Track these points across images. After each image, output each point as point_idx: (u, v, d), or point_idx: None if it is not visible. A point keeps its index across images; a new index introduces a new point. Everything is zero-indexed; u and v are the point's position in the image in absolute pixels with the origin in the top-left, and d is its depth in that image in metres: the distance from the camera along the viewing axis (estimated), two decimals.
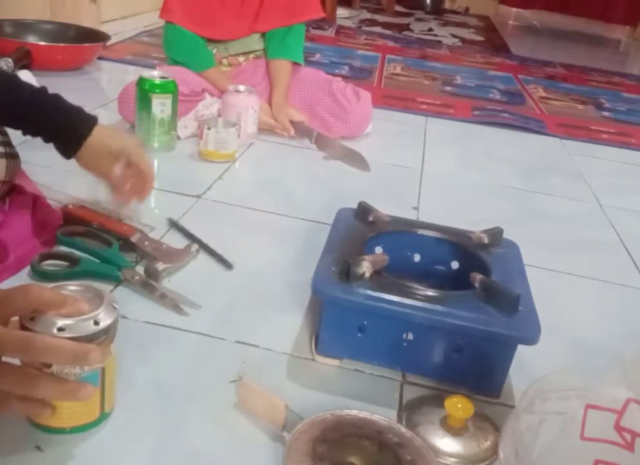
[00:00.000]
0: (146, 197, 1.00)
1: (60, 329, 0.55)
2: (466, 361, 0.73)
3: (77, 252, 0.89)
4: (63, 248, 0.91)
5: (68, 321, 0.55)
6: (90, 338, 0.56)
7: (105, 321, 0.57)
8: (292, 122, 1.51)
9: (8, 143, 0.92)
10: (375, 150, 1.55)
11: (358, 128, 1.58)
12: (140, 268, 0.90)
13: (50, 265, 0.86)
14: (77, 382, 0.56)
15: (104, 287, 0.82)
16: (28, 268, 0.84)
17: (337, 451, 0.59)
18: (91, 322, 0.57)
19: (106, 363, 0.59)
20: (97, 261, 0.89)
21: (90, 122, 0.92)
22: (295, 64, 1.60)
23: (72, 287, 0.60)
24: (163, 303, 0.83)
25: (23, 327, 0.55)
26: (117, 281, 0.86)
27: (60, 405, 0.59)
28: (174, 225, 1.04)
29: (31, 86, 0.91)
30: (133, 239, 0.92)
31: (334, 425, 0.61)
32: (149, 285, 0.85)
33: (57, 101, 0.91)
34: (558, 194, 1.46)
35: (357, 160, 1.43)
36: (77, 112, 0.92)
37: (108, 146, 0.92)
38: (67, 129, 0.90)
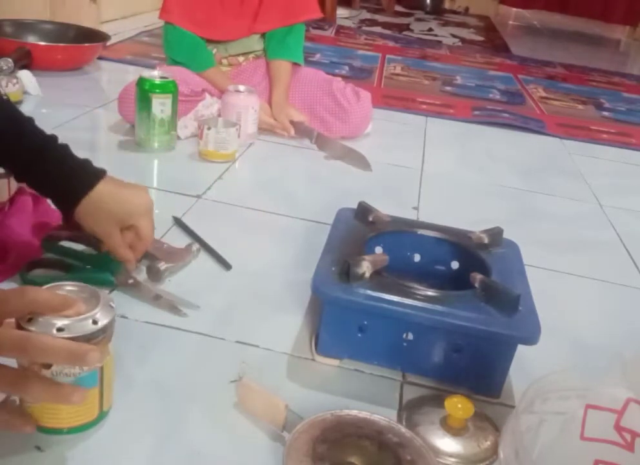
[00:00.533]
0: (137, 258, 0.86)
1: (59, 329, 0.55)
2: (466, 361, 0.73)
3: (66, 259, 0.87)
4: (52, 256, 0.88)
5: (66, 322, 0.56)
6: (88, 338, 0.56)
7: (103, 320, 0.58)
8: (292, 122, 1.51)
9: None
10: (375, 150, 1.55)
11: (358, 128, 1.58)
12: (141, 269, 0.90)
13: (39, 273, 0.84)
14: (70, 385, 0.55)
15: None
16: (17, 276, 0.82)
17: (337, 451, 0.59)
18: (90, 322, 0.57)
19: (104, 362, 0.59)
20: (88, 266, 0.87)
21: (90, 179, 0.80)
22: (295, 64, 1.60)
23: (68, 287, 0.60)
24: (159, 305, 0.82)
25: (20, 328, 0.55)
26: (111, 286, 0.85)
27: (58, 406, 0.59)
28: (179, 223, 1.04)
29: (36, 131, 0.81)
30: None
31: (334, 425, 0.61)
32: (145, 288, 0.84)
33: (63, 152, 0.81)
34: (558, 194, 1.46)
35: (358, 160, 1.43)
36: (82, 166, 0.81)
37: (108, 208, 0.80)
38: (64, 186, 0.80)
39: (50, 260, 0.87)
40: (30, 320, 0.55)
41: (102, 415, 0.62)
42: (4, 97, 0.84)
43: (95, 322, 0.57)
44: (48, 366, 0.56)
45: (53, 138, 0.81)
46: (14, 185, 0.91)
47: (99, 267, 0.86)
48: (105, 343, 0.59)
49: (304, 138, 1.51)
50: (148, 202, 0.83)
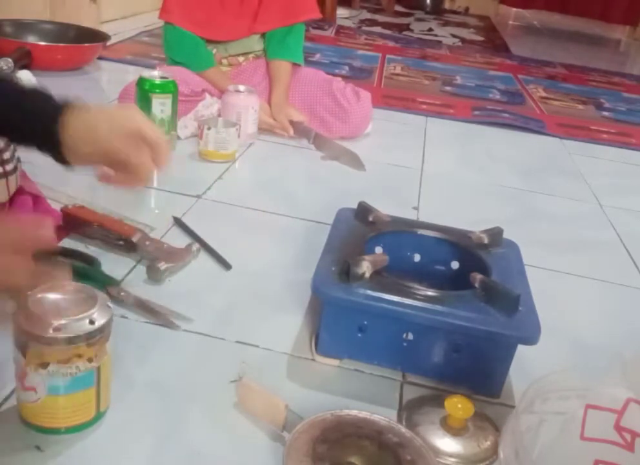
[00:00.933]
0: (165, 165, 0.75)
1: (56, 329, 0.55)
2: (466, 361, 0.73)
3: None
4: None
5: (63, 321, 0.56)
6: (86, 337, 0.57)
7: (100, 320, 0.58)
8: (291, 122, 1.51)
9: (5, 161, 0.87)
10: (375, 150, 1.55)
11: (358, 129, 1.58)
12: (141, 269, 0.90)
13: None
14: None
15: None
16: None
17: (337, 451, 0.59)
18: (87, 321, 0.57)
19: (101, 362, 0.59)
20: (80, 280, 0.86)
21: (62, 103, 0.70)
22: (295, 64, 1.60)
23: (66, 286, 0.60)
24: (153, 318, 0.80)
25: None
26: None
27: (56, 406, 0.59)
28: (179, 223, 1.04)
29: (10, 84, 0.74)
30: (134, 239, 0.92)
31: (334, 425, 0.61)
32: (138, 302, 0.82)
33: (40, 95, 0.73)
34: (558, 194, 1.46)
35: (352, 160, 1.43)
36: (45, 101, 0.72)
37: (99, 119, 0.70)
38: (37, 126, 0.70)
39: None
40: (27, 319, 0.56)
41: (99, 415, 0.63)
42: None
43: (92, 322, 0.57)
44: (45, 365, 0.56)
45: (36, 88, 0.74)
46: (13, 184, 0.91)
47: (91, 281, 0.82)
48: (102, 343, 0.59)
49: (302, 138, 1.51)
50: (133, 108, 0.75)
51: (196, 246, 0.95)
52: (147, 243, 0.92)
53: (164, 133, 0.79)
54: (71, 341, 0.56)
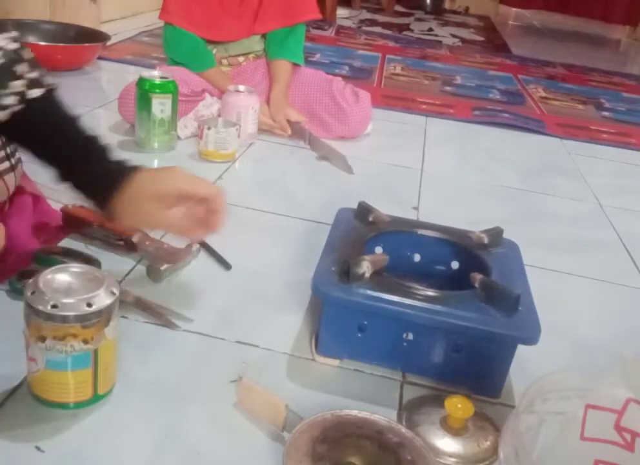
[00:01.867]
0: (214, 230, 0.79)
1: (53, 306, 0.58)
2: (466, 362, 0.73)
3: None
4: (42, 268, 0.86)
5: (63, 300, 0.58)
6: (80, 319, 0.59)
7: (98, 304, 0.59)
8: (289, 122, 1.51)
9: (12, 154, 0.88)
10: (375, 150, 1.55)
11: (357, 129, 1.58)
12: (141, 269, 0.90)
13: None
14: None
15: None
16: (6, 284, 0.81)
17: (337, 451, 0.59)
18: (84, 304, 0.59)
19: (99, 346, 0.61)
20: None
21: (124, 173, 0.74)
22: (296, 65, 1.60)
23: (73, 268, 0.63)
24: (153, 318, 0.80)
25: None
26: None
27: (52, 379, 0.62)
28: None
29: (80, 126, 0.78)
30: (134, 239, 0.92)
31: (334, 425, 0.61)
32: (138, 302, 0.82)
33: (104, 151, 0.77)
34: (558, 194, 1.46)
35: (340, 162, 1.42)
36: (117, 165, 0.76)
37: (147, 190, 0.74)
38: (100, 183, 0.75)
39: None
40: (33, 293, 0.59)
41: (97, 397, 0.64)
42: (54, 90, 0.81)
43: (89, 305, 0.59)
44: (43, 339, 0.59)
45: (96, 137, 0.78)
46: (12, 184, 0.90)
47: None
48: (100, 327, 0.60)
49: (299, 139, 1.51)
50: (179, 172, 0.77)
51: (196, 246, 0.95)
52: (147, 243, 0.92)
53: (214, 187, 0.80)
54: (64, 319, 0.58)
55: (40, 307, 0.58)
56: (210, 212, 0.76)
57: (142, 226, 0.82)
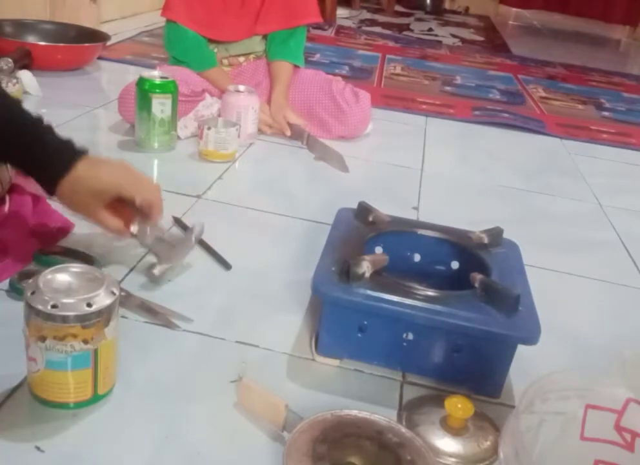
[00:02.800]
0: (154, 221, 0.86)
1: (53, 306, 0.58)
2: (466, 361, 0.73)
3: None
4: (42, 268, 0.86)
5: (62, 300, 0.58)
6: (80, 319, 0.59)
7: (99, 304, 0.60)
8: (288, 123, 1.51)
9: None
10: (375, 150, 1.55)
11: (357, 130, 1.58)
12: (141, 269, 0.90)
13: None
14: None
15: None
16: (6, 284, 0.81)
17: (337, 451, 0.59)
18: (84, 304, 0.59)
19: (99, 346, 0.61)
20: None
21: (68, 161, 0.78)
22: (296, 66, 1.60)
23: (74, 268, 0.63)
24: (153, 318, 0.80)
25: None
26: None
27: (52, 380, 0.61)
28: (179, 223, 1.04)
29: (22, 113, 0.80)
30: (133, 229, 0.91)
31: (334, 425, 0.61)
32: (138, 302, 0.82)
33: (41, 134, 0.80)
34: (558, 194, 1.46)
35: (336, 161, 1.42)
36: (61, 148, 0.80)
37: (86, 186, 0.79)
38: (43, 166, 0.79)
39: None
40: (33, 293, 0.59)
41: (97, 397, 0.64)
42: None
43: (89, 305, 0.59)
44: (43, 339, 0.59)
45: (39, 120, 0.81)
46: (6, 178, 0.90)
47: None
48: (100, 327, 0.61)
49: (297, 139, 1.51)
50: (122, 170, 0.83)
51: (198, 227, 0.94)
52: (147, 232, 0.91)
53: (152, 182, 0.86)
54: (64, 319, 0.58)
55: (40, 307, 0.58)
56: (135, 206, 0.82)
57: (81, 215, 0.84)
